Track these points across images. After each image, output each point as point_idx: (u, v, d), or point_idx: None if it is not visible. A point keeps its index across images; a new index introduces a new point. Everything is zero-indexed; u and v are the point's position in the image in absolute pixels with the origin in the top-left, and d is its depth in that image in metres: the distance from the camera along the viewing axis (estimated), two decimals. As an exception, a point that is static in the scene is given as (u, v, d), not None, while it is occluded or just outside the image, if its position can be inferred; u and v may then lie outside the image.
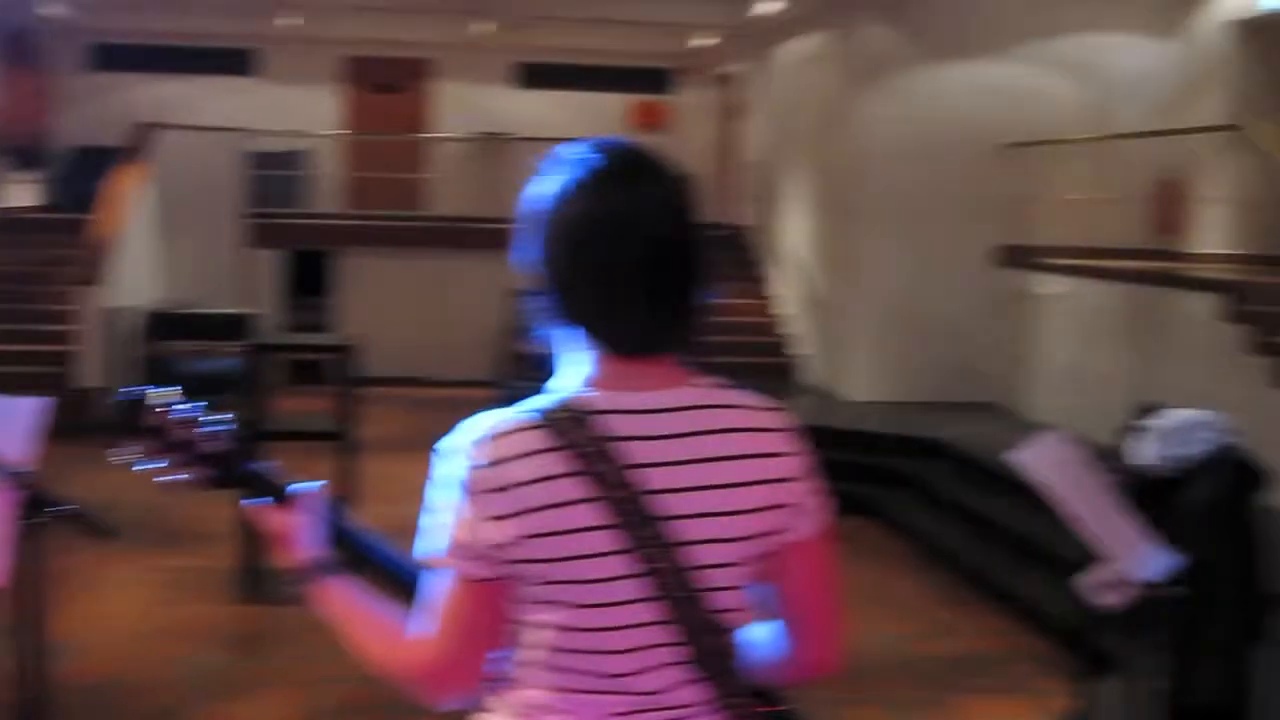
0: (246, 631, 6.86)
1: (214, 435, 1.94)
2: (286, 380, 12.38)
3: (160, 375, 12.48)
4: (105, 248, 12.70)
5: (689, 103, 18.04)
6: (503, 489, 1.69)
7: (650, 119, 17.80)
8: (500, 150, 16.39)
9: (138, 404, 1.92)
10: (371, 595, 1.87)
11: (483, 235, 14.30)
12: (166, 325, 13.25)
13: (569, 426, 1.69)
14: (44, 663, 3.21)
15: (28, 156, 16.14)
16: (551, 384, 1.78)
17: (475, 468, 1.70)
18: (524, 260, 1.78)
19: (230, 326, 12.58)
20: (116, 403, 1.92)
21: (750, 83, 16.02)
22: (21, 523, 1.94)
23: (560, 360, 1.80)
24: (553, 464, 1.68)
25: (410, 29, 16.54)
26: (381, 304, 15.00)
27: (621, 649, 1.72)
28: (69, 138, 16.66)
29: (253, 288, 14.72)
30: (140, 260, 13.82)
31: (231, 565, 7.14)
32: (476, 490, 1.70)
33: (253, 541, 7.10)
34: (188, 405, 1.94)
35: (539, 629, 1.74)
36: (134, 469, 1.91)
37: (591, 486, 1.68)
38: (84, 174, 14.97)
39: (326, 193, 17.10)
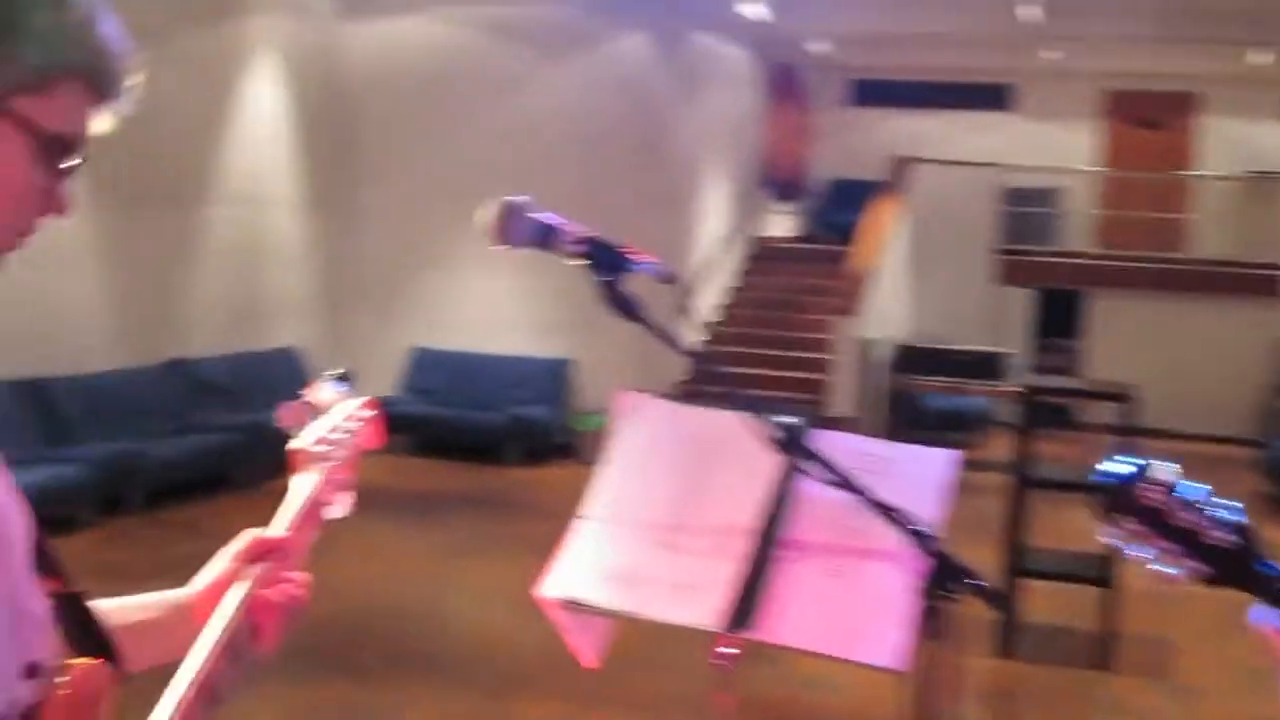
0: (1000, 688, 6.55)
1: (1222, 524, 1.61)
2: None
3: (906, 411, 12.51)
4: (862, 279, 12.85)
5: None
6: None
7: None
8: (1271, 191, 15.24)
9: (1135, 478, 1.63)
10: None
11: (1249, 280, 13.38)
12: (914, 360, 13.22)
13: None
14: None
15: (788, 189, 16.77)
16: None
17: None
18: None
19: (980, 365, 12.40)
20: (1109, 475, 1.64)
21: None
22: (926, 599, 1.68)
23: None
24: None
25: (1177, 61, 15.53)
26: (1132, 349, 14.21)
27: None
28: (827, 171, 17.17)
29: (1001, 326, 14.45)
30: (892, 293, 13.92)
31: (994, 618, 6.82)
32: None
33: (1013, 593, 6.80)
34: (1192, 486, 1.61)
35: None
36: (1125, 554, 1.62)
37: None
38: (841, 207, 15.38)
39: (1079, 230, 16.52)
